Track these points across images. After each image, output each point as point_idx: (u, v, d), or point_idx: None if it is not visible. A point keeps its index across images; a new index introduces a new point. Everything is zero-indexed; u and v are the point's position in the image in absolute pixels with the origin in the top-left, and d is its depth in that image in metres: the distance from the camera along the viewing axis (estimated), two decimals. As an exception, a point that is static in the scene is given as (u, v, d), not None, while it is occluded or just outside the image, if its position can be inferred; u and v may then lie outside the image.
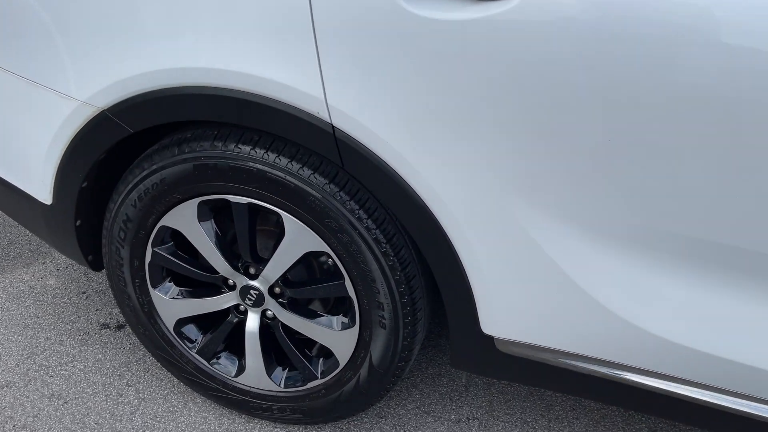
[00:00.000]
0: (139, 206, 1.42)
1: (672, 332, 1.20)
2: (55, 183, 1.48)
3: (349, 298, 1.40)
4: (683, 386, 1.24)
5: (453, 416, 1.72)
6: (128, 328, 1.92)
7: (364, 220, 1.29)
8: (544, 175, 1.13)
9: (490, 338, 1.34)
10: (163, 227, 1.45)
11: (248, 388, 1.60)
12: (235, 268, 1.46)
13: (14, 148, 1.53)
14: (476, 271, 1.25)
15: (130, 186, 1.40)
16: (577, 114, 1.06)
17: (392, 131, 1.16)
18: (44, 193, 1.52)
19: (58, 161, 1.44)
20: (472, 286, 1.28)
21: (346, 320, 1.45)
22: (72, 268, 2.14)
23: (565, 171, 1.12)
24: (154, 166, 1.36)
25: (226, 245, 1.46)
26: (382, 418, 1.70)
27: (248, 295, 1.48)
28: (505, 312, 1.30)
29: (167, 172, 1.35)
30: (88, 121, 1.35)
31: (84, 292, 2.05)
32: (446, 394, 1.77)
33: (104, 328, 1.93)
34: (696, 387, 1.23)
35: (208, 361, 1.60)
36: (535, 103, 1.07)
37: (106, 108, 1.31)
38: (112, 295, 2.02)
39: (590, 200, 1.13)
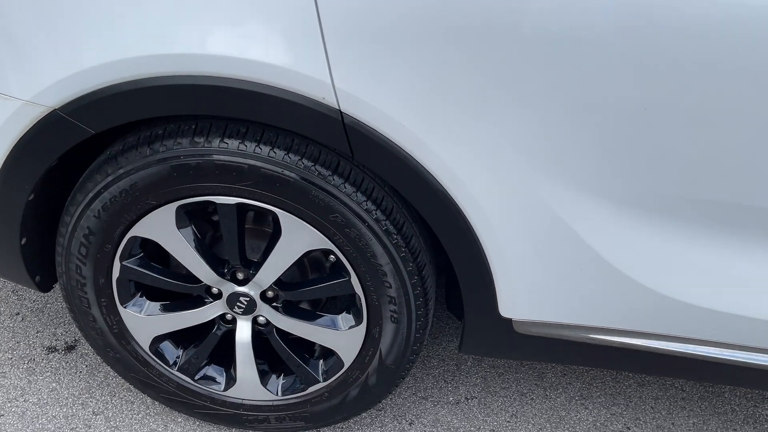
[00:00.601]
0: (103, 217, 1.23)
1: (697, 297, 1.19)
2: (-7, 198, 1.26)
3: (356, 295, 1.29)
4: (705, 347, 1.25)
5: (451, 398, 1.67)
6: (80, 348, 1.71)
7: (373, 212, 1.18)
8: (570, 149, 1.07)
9: (509, 321, 1.28)
10: (133, 238, 1.27)
11: (240, 401, 1.47)
12: (221, 275, 1.31)
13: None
14: (498, 254, 1.19)
15: (92, 195, 1.21)
16: (610, 83, 1.00)
17: (408, 112, 1.05)
18: None
19: None
20: (492, 270, 1.21)
21: (351, 318, 1.34)
22: (-3, 287, 1.87)
23: (592, 143, 1.06)
24: (121, 170, 1.18)
25: (207, 251, 1.30)
26: (381, 410, 1.63)
27: (237, 303, 1.33)
28: (526, 293, 1.24)
29: (139, 176, 1.17)
30: (35, 123, 1.14)
31: (17, 314, 1.81)
32: (440, 376, 1.72)
33: (51, 352, 1.71)
34: (716, 347, 1.24)
35: (193, 378, 1.45)
36: (564, 73, 1.00)
37: (57, 107, 1.11)
38: (51, 314, 1.81)
39: (616, 172, 1.09)
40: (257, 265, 1.29)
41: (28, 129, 1.15)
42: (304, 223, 1.20)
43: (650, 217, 1.13)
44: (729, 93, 0.99)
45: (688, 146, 1.04)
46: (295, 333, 1.37)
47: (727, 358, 1.25)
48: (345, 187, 1.16)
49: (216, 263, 1.30)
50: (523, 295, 1.24)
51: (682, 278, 1.19)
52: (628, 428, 1.63)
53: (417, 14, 0.99)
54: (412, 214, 1.21)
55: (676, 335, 1.24)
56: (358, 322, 1.33)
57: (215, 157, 1.14)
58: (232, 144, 1.13)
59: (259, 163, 1.14)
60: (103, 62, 1.06)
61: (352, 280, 1.27)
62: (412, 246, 1.23)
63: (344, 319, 1.35)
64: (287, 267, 1.27)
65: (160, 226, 1.24)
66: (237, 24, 1.02)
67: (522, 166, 1.09)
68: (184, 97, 1.07)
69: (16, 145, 1.17)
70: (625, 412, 1.66)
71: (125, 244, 1.27)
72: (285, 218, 1.21)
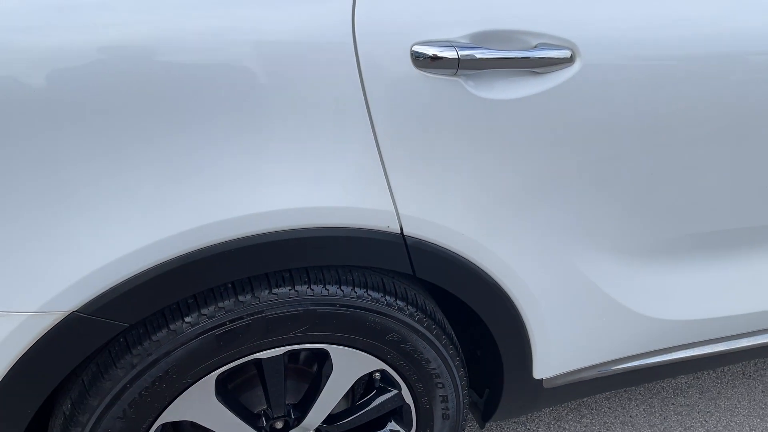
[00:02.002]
0: (130, 415, 1.03)
1: (687, 313, 1.39)
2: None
3: (405, 404, 1.26)
4: (694, 348, 1.46)
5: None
6: None
7: (424, 321, 1.17)
8: (597, 220, 1.19)
9: (540, 381, 1.36)
10: (163, 425, 1.08)
11: None
12: (259, 430, 1.18)
13: None
14: (538, 324, 1.25)
15: (113, 395, 1.01)
16: (630, 161, 1.13)
17: (466, 222, 1.07)
18: None
19: None
20: (532, 341, 1.27)
21: (397, 428, 1.30)
22: None
23: (612, 212, 1.19)
24: (152, 357, 1.00)
25: (245, 410, 1.16)
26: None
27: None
28: (556, 353, 1.33)
29: (175, 357, 1.01)
30: (44, 335, 0.92)
31: None
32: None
33: None
34: (704, 344, 1.46)
35: None
36: (596, 160, 1.11)
37: (77, 308, 0.91)
38: None
39: (632, 229, 1.23)
40: (302, 408, 1.19)
41: (31, 344, 0.92)
42: (357, 351, 1.15)
43: (651, 259, 1.30)
44: (703, 161, 1.19)
45: (678, 198, 1.23)
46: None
47: (701, 353, 1.48)
48: (397, 304, 1.13)
49: (254, 419, 1.17)
50: (554, 355, 1.33)
51: (675, 303, 1.38)
52: (603, 433, 1.81)
53: (462, 135, 1.02)
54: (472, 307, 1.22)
55: (673, 346, 1.43)
56: (407, 429, 1.29)
57: (267, 312, 1.03)
58: (282, 292, 1.04)
59: (313, 306, 1.06)
60: (148, 243, 0.90)
61: (402, 391, 1.24)
62: (455, 341, 1.25)
63: (391, 431, 1.30)
64: (337, 401, 1.20)
65: (198, 403, 1.08)
66: (301, 176, 0.94)
67: (561, 245, 1.18)
68: (247, 259, 0.96)
69: (13, 366, 0.93)
70: (594, 420, 1.85)
71: (152, 436, 1.08)
72: (337, 352, 1.14)
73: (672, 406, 1.91)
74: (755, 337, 1.48)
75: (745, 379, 2.04)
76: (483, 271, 1.13)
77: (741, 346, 1.48)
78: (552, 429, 1.81)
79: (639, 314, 1.33)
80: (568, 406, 1.89)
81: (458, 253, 1.10)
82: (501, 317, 1.21)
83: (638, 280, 1.30)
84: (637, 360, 1.43)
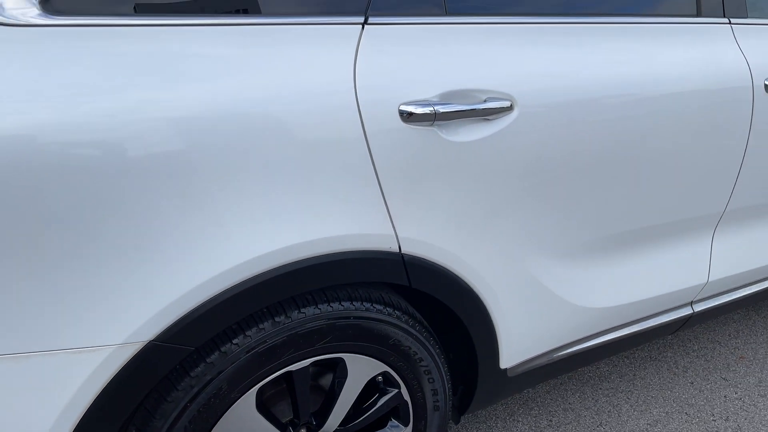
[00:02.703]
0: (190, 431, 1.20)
1: (612, 301, 1.74)
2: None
3: (403, 401, 1.50)
4: (616, 332, 1.81)
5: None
6: None
7: (415, 326, 1.43)
8: (546, 234, 1.51)
9: (505, 371, 1.65)
10: (214, 439, 1.26)
11: None
12: (288, 438, 1.38)
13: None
14: (502, 320, 1.54)
15: (175, 415, 1.18)
16: (558, 184, 1.47)
17: (447, 239, 1.36)
18: None
19: None
20: (498, 335, 1.56)
21: (398, 424, 1.53)
22: None
23: (551, 224, 1.52)
24: (207, 377, 1.19)
25: (277, 420, 1.35)
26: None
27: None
28: (516, 344, 1.62)
29: (226, 375, 1.20)
30: (125, 365, 1.09)
31: None
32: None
33: None
34: (625, 327, 1.82)
35: None
36: (535, 184, 1.44)
37: (154, 338, 1.10)
38: None
39: (563, 236, 1.56)
40: (322, 414, 1.40)
41: (116, 373, 1.09)
42: (366, 357, 1.38)
43: (578, 258, 1.64)
44: (608, 180, 1.56)
45: (593, 209, 1.58)
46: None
47: (621, 335, 1.83)
48: (395, 313, 1.38)
49: (285, 428, 1.37)
50: (515, 346, 1.62)
51: (598, 293, 1.72)
52: (550, 421, 2.12)
53: (439, 171, 1.31)
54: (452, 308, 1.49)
55: (607, 329, 1.78)
56: (405, 423, 1.53)
57: (297, 329, 1.25)
58: (309, 311, 1.27)
59: (333, 320, 1.29)
60: (209, 277, 1.11)
61: (402, 390, 1.48)
62: (437, 341, 1.51)
63: (392, 427, 1.53)
64: (351, 404, 1.42)
65: (243, 415, 1.27)
66: (324, 212, 1.19)
67: (518, 253, 1.48)
68: (286, 283, 1.18)
69: (98, 396, 1.09)
70: (541, 411, 2.15)
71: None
72: (350, 359, 1.37)
73: (600, 390, 2.25)
74: (659, 317, 1.86)
75: (652, 361, 2.43)
76: (459, 277, 1.41)
77: (648, 326, 1.85)
78: (508, 423, 2.09)
79: (573, 304, 1.66)
80: (518, 401, 2.19)
81: (442, 264, 1.37)
82: (474, 315, 1.49)
83: (570, 276, 1.64)
84: (575, 346, 1.76)
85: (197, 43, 1.10)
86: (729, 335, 2.62)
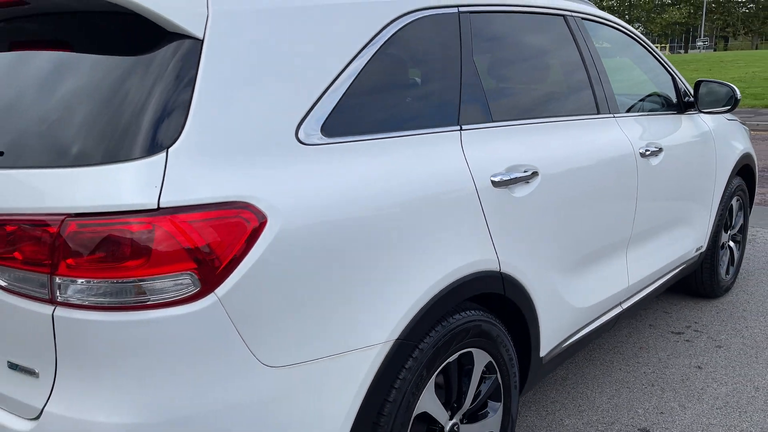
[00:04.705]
0: (410, 407, 1.74)
1: (588, 302, 2.56)
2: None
3: (498, 384, 2.12)
4: (590, 325, 2.62)
5: None
6: None
7: (500, 325, 2.10)
8: (557, 254, 2.30)
9: (541, 358, 2.35)
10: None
11: None
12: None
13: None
14: (541, 320, 2.26)
15: (402, 397, 1.71)
16: (565, 223, 2.29)
17: (518, 261, 2.08)
18: None
19: (350, 424, 1.59)
20: (540, 326, 2.27)
21: (496, 404, 2.14)
22: None
23: (557, 250, 2.32)
24: (416, 367, 1.75)
25: (438, 400, 1.91)
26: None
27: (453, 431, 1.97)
28: (547, 338, 2.34)
29: (426, 360, 1.78)
30: (383, 360, 1.63)
31: None
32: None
33: None
34: (594, 321, 2.64)
35: None
36: (554, 222, 2.24)
37: (398, 336, 1.65)
38: None
39: (564, 256, 2.37)
40: (459, 399, 1.98)
41: (378, 367, 1.62)
42: (481, 350, 2.02)
43: (569, 271, 2.44)
44: (584, 217, 2.42)
45: (578, 237, 2.42)
46: (472, 433, 2.08)
47: (595, 325, 2.66)
48: (489, 316, 2.05)
49: (444, 407, 1.93)
50: (546, 339, 2.34)
51: (580, 296, 2.53)
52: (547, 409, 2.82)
53: (511, 216, 2.05)
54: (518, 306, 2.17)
55: (585, 324, 2.58)
56: (499, 400, 2.15)
57: (454, 330, 1.86)
58: (461, 315, 1.89)
59: (469, 321, 1.92)
60: (427, 288, 1.71)
61: (498, 376, 2.11)
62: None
63: (493, 406, 2.14)
64: (476, 387, 2.02)
65: (427, 398, 1.82)
66: (465, 247, 1.86)
67: (546, 268, 2.25)
68: (455, 294, 1.82)
69: (369, 386, 1.61)
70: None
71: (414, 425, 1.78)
72: (477, 353, 1.99)
73: (562, 388, 3.03)
74: (608, 313, 2.73)
75: (601, 354, 3.28)
76: (524, 287, 2.13)
77: (603, 321, 2.70)
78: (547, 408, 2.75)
79: (572, 306, 2.45)
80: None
81: (516, 278, 2.09)
82: (530, 316, 2.21)
83: (568, 285, 2.43)
84: (571, 338, 2.53)
85: (395, 151, 1.76)
86: (626, 335, 3.58)
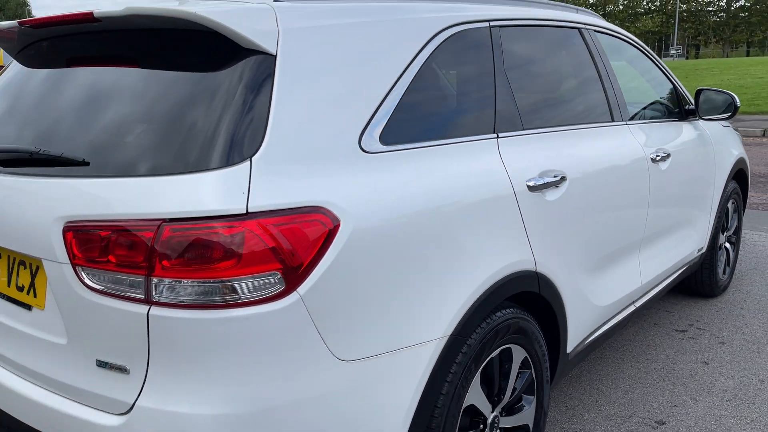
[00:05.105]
0: (461, 398, 1.84)
1: (607, 300, 2.68)
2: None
3: (532, 379, 2.24)
4: (608, 323, 2.75)
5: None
6: None
7: (534, 321, 2.21)
8: (581, 255, 2.42)
9: (568, 354, 2.46)
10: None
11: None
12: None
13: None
14: (570, 311, 2.38)
15: (454, 390, 1.82)
16: (589, 223, 2.42)
17: (551, 261, 2.20)
18: None
19: (412, 413, 1.68)
20: (568, 323, 2.39)
21: (530, 398, 2.25)
22: None
23: (585, 249, 2.44)
24: (465, 361, 1.85)
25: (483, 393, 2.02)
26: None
27: (493, 422, 2.07)
28: (572, 334, 2.46)
29: (474, 355, 1.88)
30: (439, 354, 1.73)
31: None
32: None
33: None
34: (611, 320, 2.77)
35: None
36: (579, 225, 2.36)
37: (452, 332, 1.76)
38: None
39: (587, 258, 2.49)
40: (499, 393, 2.09)
41: (435, 360, 1.72)
42: (519, 346, 2.13)
43: (591, 271, 2.57)
44: (607, 219, 2.55)
45: (600, 238, 2.55)
46: (510, 425, 2.17)
47: (613, 323, 2.78)
48: (526, 313, 2.16)
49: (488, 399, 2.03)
50: (571, 336, 2.46)
51: (601, 295, 2.65)
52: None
53: (544, 219, 2.17)
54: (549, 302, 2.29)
55: (604, 321, 2.70)
56: (533, 394, 2.26)
57: (499, 326, 1.97)
58: (501, 312, 2.00)
59: (509, 319, 2.03)
60: (478, 284, 1.82)
61: (532, 371, 2.22)
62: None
63: (527, 399, 2.25)
64: (514, 381, 2.13)
65: (474, 390, 1.93)
66: (506, 248, 1.98)
67: (573, 267, 2.37)
68: (500, 291, 1.93)
69: (428, 379, 1.71)
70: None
71: (462, 417, 1.88)
72: (515, 349, 2.10)
73: (578, 385, 3.15)
74: (623, 311, 2.86)
75: (611, 352, 3.40)
76: (556, 286, 2.25)
77: (619, 319, 2.83)
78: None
79: (593, 304, 2.58)
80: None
81: (549, 276, 2.20)
82: (560, 311, 2.32)
83: (589, 285, 2.56)
84: (593, 335, 2.65)
85: (442, 157, 1.87)
86: (632, 334, 3.72)
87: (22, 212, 1.59)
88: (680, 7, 72.24)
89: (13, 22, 1.91)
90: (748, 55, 75.44)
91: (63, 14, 1.74)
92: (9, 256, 1.72)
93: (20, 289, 1.68)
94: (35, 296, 1.64)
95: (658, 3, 75.61)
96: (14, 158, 1.69)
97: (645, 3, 76.31)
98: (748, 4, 74.16)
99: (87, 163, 1.54)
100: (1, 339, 1.73)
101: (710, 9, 77.56)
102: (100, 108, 1.64)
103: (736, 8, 75.78)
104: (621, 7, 71.50)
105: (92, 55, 1.79)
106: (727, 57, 70.36)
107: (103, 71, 1.74)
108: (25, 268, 1.66)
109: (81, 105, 1.68)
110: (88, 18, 1.66)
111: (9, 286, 1.72)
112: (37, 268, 1.62)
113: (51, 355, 1.59)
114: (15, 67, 2.09)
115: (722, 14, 77.70)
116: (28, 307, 1.66)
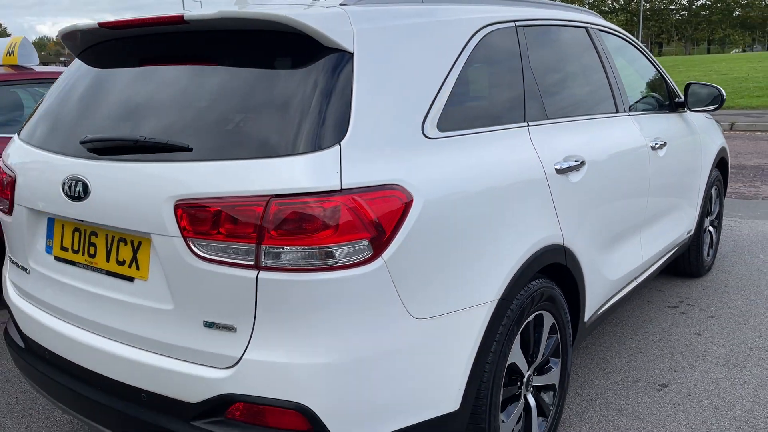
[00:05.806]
0: (506, 356, 2.08)
1: (617, 274, 2.95)
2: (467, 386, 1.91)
3: (558, 343, 2.49)
4: (615, 297, 3.02)
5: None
6: None
7: (558, 290, 2.46)
8: (598, 232, 2.69)
9: (585, 322, 2.72)
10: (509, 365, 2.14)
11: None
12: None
13: (425, 383, 1.82)
14: (588, 283, 2.64)
15: (501, 348, 2.05)
16: (603, 204, 2.68)
17: (574, 236, 2.45)
18: (453, 403, 1.89)
19: (470, 367, 1.92)
20: (586, 294, 2.64)
21: (557, 360, 2.50)
22: None
23: (601, 226, 2.70)
24: (509, 323, 2.10)
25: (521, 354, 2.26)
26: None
27: (530, 381, 2.32)
28: (588, 304, 2.72)
29: (516, 317, 2.12)
30: (491, 316, 1.97)
31: None
32: (521, 408, 2.88)
33: None
34: (618, 293, 3.04)
35: None
36: (597, 204, 2.62)
37: (500, 296, 2.00)
38: None
39: (604, 234, 2.75)
40: (533, 354, 2.33)
41: (488, 321, 1.96)
42: (548, 313, 2.38)
43: (605, 246, 2.83)
44: (619, 200, 2.82)
45: (612, 216, 2.81)
46: (540, 383, 2.42)
47: (621, 295, 3.06)
48: (553, 284, 2.41)
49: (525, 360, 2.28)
50: (588, 306, 2.72)
51: (613, 269, 2.92)
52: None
53: (570, 199, 2.42)
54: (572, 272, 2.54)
55: (612, 295, 2.97)
56: (558, 357, 2.51)
57: (533, 294, 2.22)
58: (536, 282, 2.24)
59: (542, 287, 2.28)
60: (521, 254, 2.06)
61: (558, 336, 2.47)
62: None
63: (553, 362, 2.50)
64: (545, 344, 2.38)
65: (515, 350, 2.17)
66: (540, 226, 2.22)
67: (591, 246, 2.62)
68: (539, 261, 2.18)
69: (482, 338, 1.94)
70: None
71: (505, 374, 2.12)
72: (545, 315, 2.35)
73: (585, 355, 3.42)
74: (627, 287, 3.14)
75: (612, 327, 3.68)
76: (578, 259, 2.51)
77: (627, 291, 3.11)
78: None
79: (605, 277, 2.84)
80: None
81: (573, 250, 2.46)
82: (581, 282, 2.58)
83: (602, 259, 2.82)
84: (604, 306, 2.92)
85: (488, 143, 2.11)
86: (629, 311, 4.01)
87: (130, 194, 1.78)
88: (644, 5, 73.79)
89: (93, 23, 2.09)
90: (708, 52, 77.39)
91: (150, 17, 1.92)
92: (107, 235, 1.90)
93: (121, 263, 1.87)
94: (138, 269, 1.83)
95: (622, 2, 77.17)
96: (111, 146, 1.88)
97: (610, 2, 77.78)
98: (709, 3, 76.13)
99: (190, 149, 1.73)
100: (102, 310, 1.91)
101: (673, 8, 79.43)
102: (197, 101, 1.83)
103: (697, 6, 77.71)
104: (587, 5, 72.75)
105: (177, 55, 1.98)
106: (690, 54, 72.13)
107: (191, 69, 1.93)
108: (126, 244, 1.85)
109: (176, 99, 1.87)
110: (177, 20, 1.85)
111: (108, 261, 1.91)
112: (140, 243, 1.81)
113: (156, 320, 1.78)
114: (82, 66, 2.26)
115: (684, 12, 79.63)
116: (130, 279, 1.85)
